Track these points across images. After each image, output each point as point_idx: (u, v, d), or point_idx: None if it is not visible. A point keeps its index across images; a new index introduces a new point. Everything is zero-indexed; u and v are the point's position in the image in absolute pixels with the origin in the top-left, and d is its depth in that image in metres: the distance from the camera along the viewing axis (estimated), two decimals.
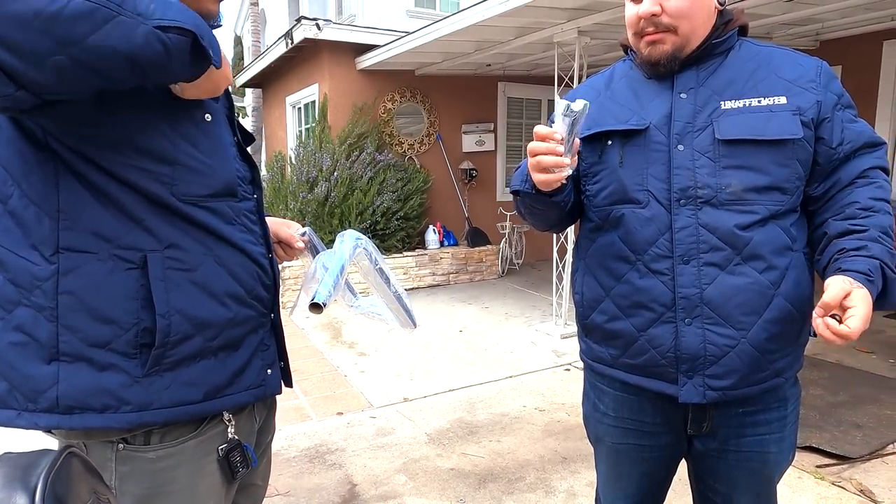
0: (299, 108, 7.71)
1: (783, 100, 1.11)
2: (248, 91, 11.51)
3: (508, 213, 6.98)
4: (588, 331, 1.28)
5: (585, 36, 4.33)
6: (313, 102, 6.86)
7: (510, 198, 6.11)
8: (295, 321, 4.88)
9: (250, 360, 0.96)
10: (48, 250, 0.81)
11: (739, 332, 1.10)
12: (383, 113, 6.42)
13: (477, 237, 6.67)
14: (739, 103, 1.11)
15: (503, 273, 6.76)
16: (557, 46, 4.54)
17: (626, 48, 1.25)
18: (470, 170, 6.86)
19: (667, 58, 1.13)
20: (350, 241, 1.03)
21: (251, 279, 0.97)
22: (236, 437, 0.97)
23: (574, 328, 4.50)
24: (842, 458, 2.61)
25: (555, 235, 4.69)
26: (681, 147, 1.12)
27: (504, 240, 6.90)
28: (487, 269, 6.59)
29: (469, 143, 6.91)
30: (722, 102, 1.12)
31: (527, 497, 2.38)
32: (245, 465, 0.98)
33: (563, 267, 4.52)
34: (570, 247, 4.50)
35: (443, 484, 2.48)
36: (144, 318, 0.84)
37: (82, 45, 0.69)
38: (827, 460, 2.61)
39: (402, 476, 2.54)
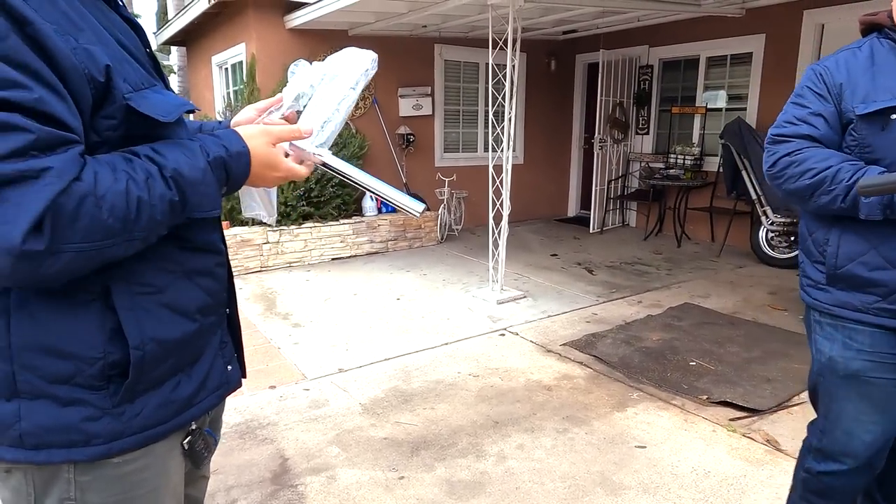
0: (226, 69, 7.33)
1: None
2: (173, 49, 10.85)
3: (447, 179, 6.95)
4: (837, 279, 1.44)
5: None
6: (241, 63, 6.53)
7: (448, 163, 6.09)
8: None
9: (213, 363, 0.94)
10: None
11: None
12: None
13: None
14: None
15: (442, 239, 6.76)
16: (492, 9, 4.46)
17: (876, 27, 1.43)
18: (407, 135, 6.74)
19: None
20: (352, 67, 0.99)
21: (217, 283, 0.93)
22: (196, 427, 0.94)
23: (510, 293, 4.60)
24: (752, 411, 2.79)
25: (491, 201, 4.70)
26: None
27: (443, 206, 6.88)
28: (426, 236, 6.57)
29: (406, 107, 6.77)
30: None
31: (458, 462, 2.42)
32: (208, 450, 0.97)
33: (499, 233, 4.55)
34: (505, 213, 4.52)
35: (375, 454, 2.49)
36: (112, 351, 0.79)
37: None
38: (739, 413, 2.78)
39: (334, 448, 2.54)
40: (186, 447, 0.92)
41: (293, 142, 0.96)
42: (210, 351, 0.93)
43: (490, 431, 2.66)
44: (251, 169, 0.89)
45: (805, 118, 1.47)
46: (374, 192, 1.04)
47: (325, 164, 1.00)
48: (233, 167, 0.86)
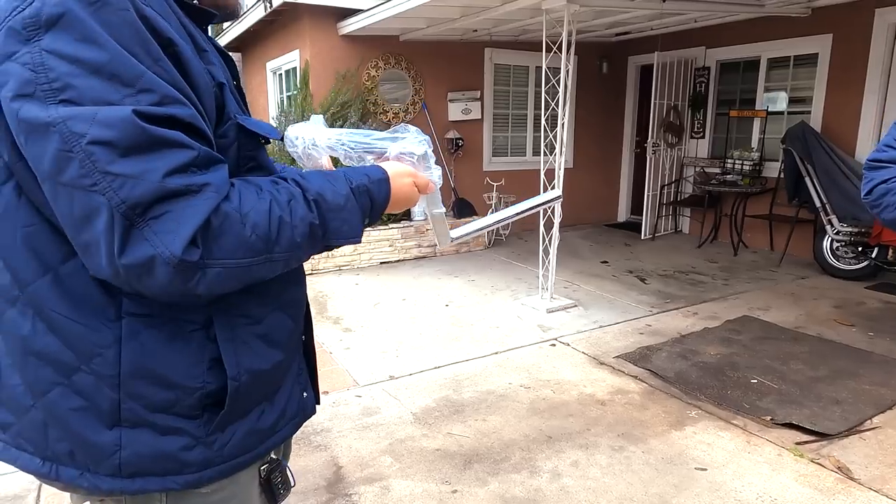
0: (280, 75, 7.49)
1: None
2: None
3: (495, 184, 6.91)
4: None
5: (574, 3, 4.20)
6: (294, 69, 6.66)
7: (496, 167, 6.06)
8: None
9: (292, 391, 0.95)
10: (110, 316, 0.76)
11: None
12: (367, 80, 6.25)
13: (463, 208, 6.61)
14: None
15: (490, 244, 6.73)
16: (546, 13, 4.41)
17: None
18: (456, 139, 6.74)
19: None
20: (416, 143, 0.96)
21: (301, 310, 0.95)
22: (276, 457, 0.95)
23: (560, 302, 4.53)
24: (820, 435, 2.66)
25: (542, 208, 4.63)
26: None
27: (491, 210, 6.84)
28: (474, 241, 6.55)
29: (455, 111, 6.77)
30: None
31: (512, 478, 2.40)
32: (286, 486, 0.96)
33: (550, 241, 4.49)
34: (556, 220, 4.46)
35: (428, 465, 2.48)
36: (211, 381, 0.80)
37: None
38: (806, 437, 2.65)
39: (387, 457, 2.55)
40: (264, 475, 0.93)
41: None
42: (289, 379, 0.94)
43: (543, 446, 2.62)
44: (391, 198, 0.90)
45: None
46: (510, 220, 1.10)
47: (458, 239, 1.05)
48: (375, 193, 0.87)
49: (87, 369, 0.76)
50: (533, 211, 1.13)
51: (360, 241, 0.85)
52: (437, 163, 1.00)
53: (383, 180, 0.89)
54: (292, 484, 0.98)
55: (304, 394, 0.99)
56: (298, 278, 0.94)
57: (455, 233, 1.05)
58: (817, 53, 5.76)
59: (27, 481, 2.37)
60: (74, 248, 0.73)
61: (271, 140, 0.89)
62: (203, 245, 0.67)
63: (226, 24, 8.80)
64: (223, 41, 8.54)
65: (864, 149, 5.47)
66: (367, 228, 0.88)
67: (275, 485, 0.93)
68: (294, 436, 1.15)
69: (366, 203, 0.86)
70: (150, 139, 0.65)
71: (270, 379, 0.88)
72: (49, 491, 2.29)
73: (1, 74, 0.66)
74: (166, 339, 0.78)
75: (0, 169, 0.74)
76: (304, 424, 3.01)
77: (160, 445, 0.79)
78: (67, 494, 0.90)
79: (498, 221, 1.10)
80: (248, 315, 0.83)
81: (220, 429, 0.83)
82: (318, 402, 1.06)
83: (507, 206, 5.36)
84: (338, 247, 0.85)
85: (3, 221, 0.75)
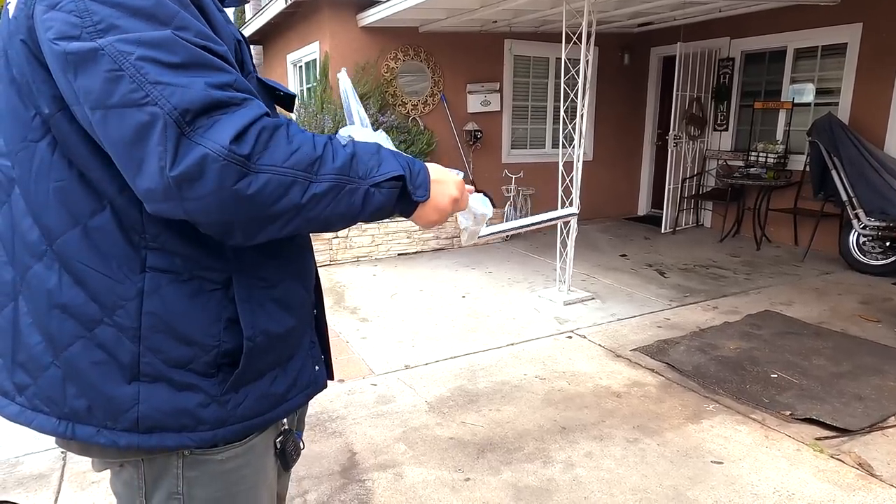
0: (300, 67, 7.54)
1: None
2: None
3: (514, 176, 6.87)
4: None
5: None
6: (314, 61, 6.69)
7: (515, 160, 6.05)
8: None
9: (304, 362, 0.97)
10: (134, 269, 0.79)
11: None
12: (386, 72, 6.25)
13: None
14: None
15: (508, 237, 6.71)
16: (566, 3, 4.36)
17: None
18: (475, 131, 6.72)
19: None
20: None
21: (311, 280, 0.98)
22: (288, 428, 0.98)
23: (577, 294, 4.50)
24: (841, 431, 2.61)
25: (560, 200, 4.61)
26: None
27: (509, 203, 6.82)
28: None
29: (474, 103, 6.74)
30: None
31: (525, 467, 2.40)
32: (297, 452, 1.00)
33: (568, 233, 4.46)
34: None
35: (442, 453, 2.50)
36: (227, 340, 0.83)
37: (314, 218, 0.77)
38: (826, 432, 2.61)
39: (401, 445, 2.56)
40: (279, 447, 0.95)
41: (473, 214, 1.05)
42: (302, 350, 0.96)
43: (557, 437, 2.62)
44: (429, 175, 0.88)
45: None
46: (527, 229, 1.15)
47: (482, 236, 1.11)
48: (407, 160, 0.86)
49: (109, 321, 0.79)
50: (547, 224, 1.17)
51: (400, 172, 0.82)
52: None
53: (413, 159, 0.89)
54: (302, 448, 1.02)
55: (317, 367, 1.00)
56: (309, 248, 0.98)
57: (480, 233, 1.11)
58: (846, 43, 5.61)
59: (51, 460, 2.44)
60: (109, 201, 0.77)
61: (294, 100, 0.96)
62: (255, 142, 0.70)
63: (248, 17, 8.89)
64: (245, 34, 8.62)
65: (895, 141, 5.33)
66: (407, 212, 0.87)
67: (288, 453, 0.97)
68: (309, 423, 1.18)
69: (402, 160, 0.85)
70: (193, 57, 0.70)
71: (283, 344, 0.90)
72: (72, 470, 2.35)
73: (45, 21, 0.70)
74: (187, 296, 0.80)
75: (36, 127, 0.77)
76: (320, 411, 3.03)
77: (177, 401, 0.81)
78: (90, 475, 0.92)
79: (514, 229, 1.15)
80: (265, 278, 0.86)
81: (234, 389, 0.84)
82: (332, 378, 1.08)
83: (525, 200, 5.35)
84: (384, 195, 0.82)
85: (36, 178, 0.78)
